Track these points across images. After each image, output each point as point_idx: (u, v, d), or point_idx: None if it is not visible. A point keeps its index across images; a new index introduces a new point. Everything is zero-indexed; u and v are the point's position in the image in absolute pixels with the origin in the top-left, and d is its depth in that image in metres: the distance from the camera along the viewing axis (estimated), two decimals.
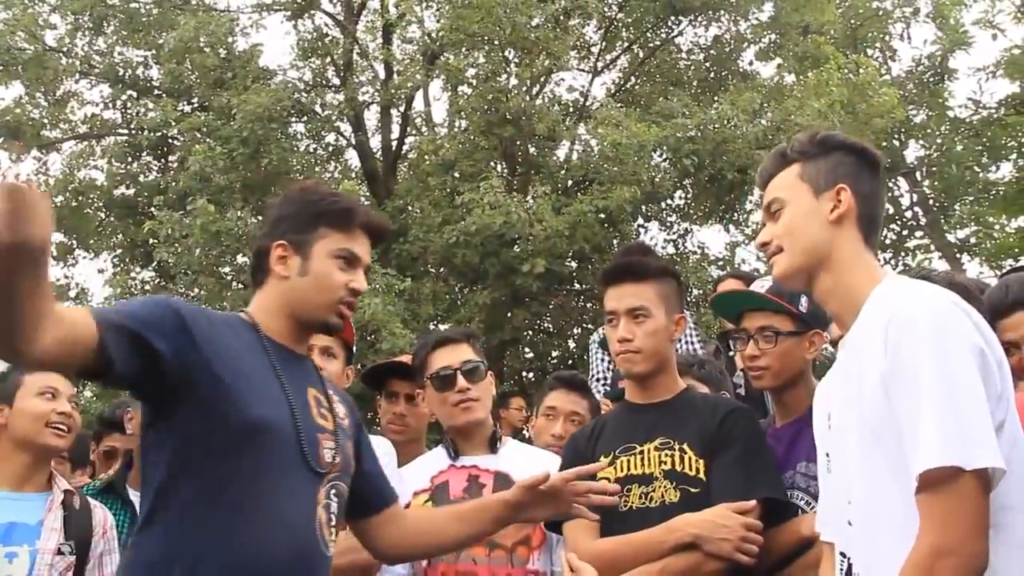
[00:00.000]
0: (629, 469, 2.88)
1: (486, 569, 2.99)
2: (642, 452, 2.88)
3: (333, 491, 2.37)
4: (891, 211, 19.94)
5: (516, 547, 3.03)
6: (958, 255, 19.16)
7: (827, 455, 2.23)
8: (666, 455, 2.84)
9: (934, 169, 19.59)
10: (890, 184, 19.64)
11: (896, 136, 18.90)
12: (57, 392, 3.25)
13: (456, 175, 14.07)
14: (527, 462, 3.15)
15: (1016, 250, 18.06)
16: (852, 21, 18.49)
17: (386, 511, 2.65)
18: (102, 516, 3.31)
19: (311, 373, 2.50)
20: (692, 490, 2.78)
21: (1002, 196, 18.69)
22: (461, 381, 3.19)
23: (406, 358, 4.08)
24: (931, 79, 19.37)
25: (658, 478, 2.82)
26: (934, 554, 1.82)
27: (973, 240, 19.13)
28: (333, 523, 2.36)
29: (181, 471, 2.16)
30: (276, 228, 2.45)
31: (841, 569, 2.13)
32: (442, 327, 14.29)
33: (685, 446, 2.83)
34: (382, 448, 3.28)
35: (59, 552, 3.07)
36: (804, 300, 3.01)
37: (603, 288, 3.06)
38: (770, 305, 3.01)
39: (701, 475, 2.79)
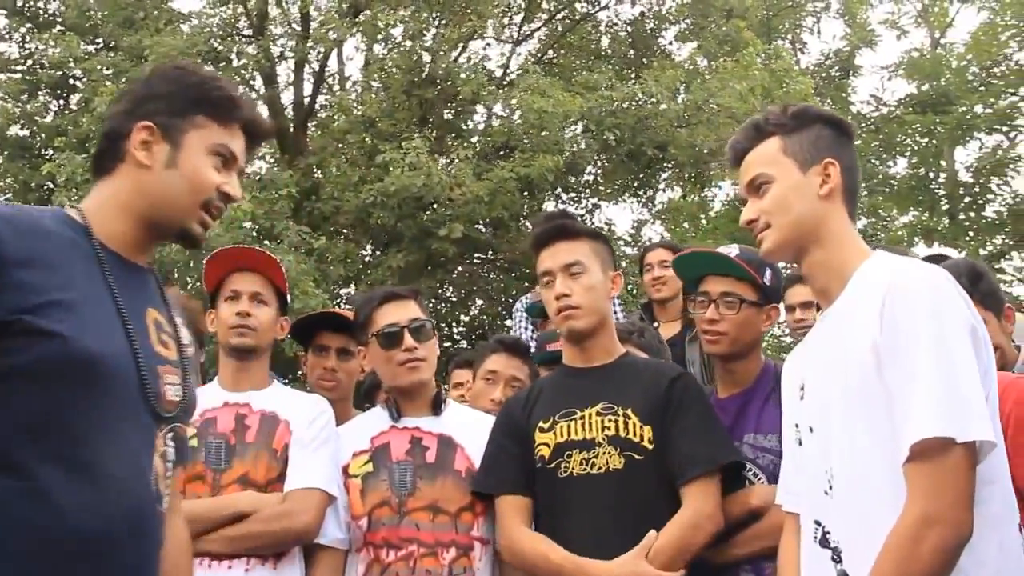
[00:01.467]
0: (570, 435, 2.84)
1: (429, 534, 2.91)
2: (583, 417, 2.85)
3: (171, 435, 2.00)
4: None
5: (460, 513, 2.95)
6: None
7: (796, 425, 2.24)
8: (609, 420, 2.81)
9: None
10: None
11: None
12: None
13: (374, 134, 13.78)
14: (470, 425, 3.11)
15: (906, 243, 18.78)
16: (767, 11, 18.84)
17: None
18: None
19: (150, 289, 2.07)
20: (637, 457, 2.77)
21: (896, 191, 19.38)
22: (408, 339, 3.07)
23: (340, 311, 3.93)
24: (837, 74, 19.91)
25: (601, 444, 2.80)
26: (922, 522, 1.85)
27: (869, 231, 19.81)
28: (170, 473, 2.01)
29: None
30: (141, 106, 2.02)
31: (815, 537, 2.14)
32: (349, 290, 14.09)
33: (629, 411, 2.81)
34: (319, 407, 3.15)
35: None
36: (769, 272, 3.03)
37: (536, 252, 3.00)
38: (737, 271, 3.01)
39: (646, 442, 2.77)
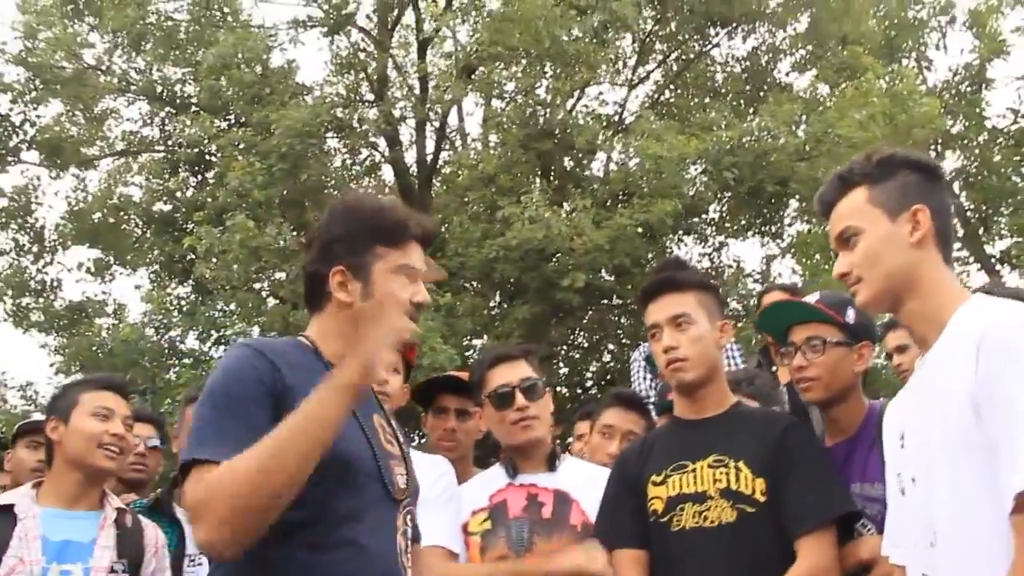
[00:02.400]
0: (682, 488, 2.83)
1: None
2: (695, 470, 2.83)
3: (408, 517, 2.34)
4: None
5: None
6: (998, 267, 18.97)
7: (898, 475, 2.19)
8: (721, 473, 2.79)
9: (972, 180, 19.41)
10: None
11: (933, 147, 18.74)
12: (111, 413, 3.20)
13: (494, 189, 14.03)
14: (586, 480, 3.13)
15: None
16: (888, 31, 18.38)
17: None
18: (154, 534, 3.28)
19: (372, 399, 2.41)
20: (749, 510, 2.73)
21: None
22: (520, 399, 3.15)
23: (458, 373, 4.06)
24: (968, 89, 19.22)
25: (713, 497, 2.77)
26: None
27: (1014, 252, 18.93)
28: (409, 550, 2.32)
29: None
30: (329, 252, 2.34)
31: None
32: (481, 342, 14.30)
33: (741, 464, 2.78)
34: (441, 467, 3.25)
35: (112, 571, 3.05)
36: (851, 312, 2.98)
37: (644, 306, 3.02)
38: (816, 316, 2.99)
39: (758, 495, 2.74)
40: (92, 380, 3.38)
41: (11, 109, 15.52)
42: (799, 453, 2.79)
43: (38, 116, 15.77)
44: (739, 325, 12.30)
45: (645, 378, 5.74)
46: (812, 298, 3.11)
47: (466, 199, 14.52)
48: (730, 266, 16.73)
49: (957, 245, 19.60)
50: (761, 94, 16.64)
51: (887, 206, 2.16)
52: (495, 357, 3.31)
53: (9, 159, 15.81)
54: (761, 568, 2.68)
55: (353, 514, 2.15)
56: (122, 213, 16.34)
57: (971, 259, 19.32)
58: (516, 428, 3.15)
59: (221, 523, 1.94)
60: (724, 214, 16.22)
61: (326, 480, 2.10)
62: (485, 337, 13.90)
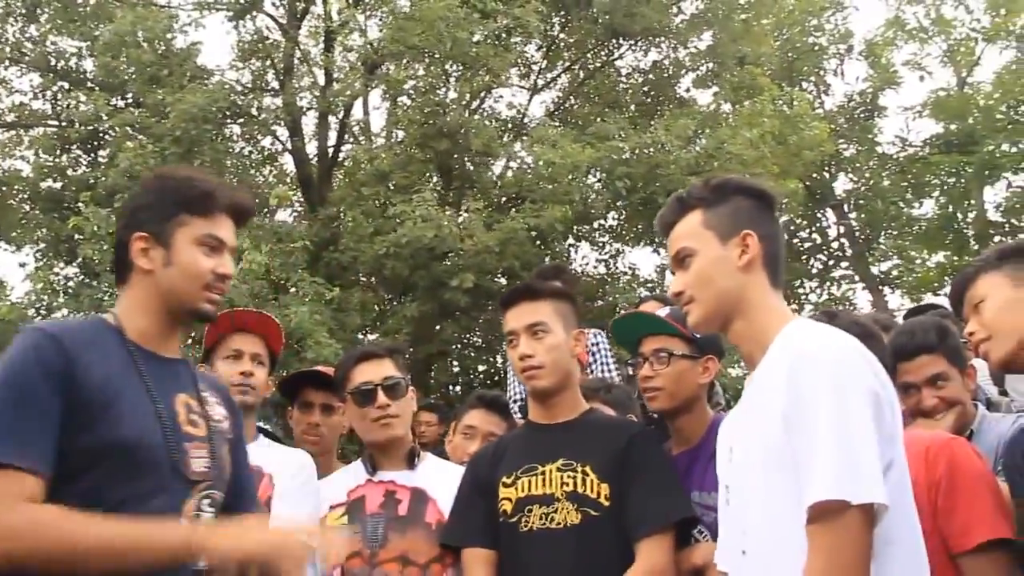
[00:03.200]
0: (530, 490, 2.92)
1: None
2: (544, 473, 2.92)
3: (207, 501, 2.31)
4: (818, 241, 20.42)
5: (430, 564, 3.05)
6: (881, 287, 19.66)
7: (727, 487, 2.28)
8: (568, 476, 2.88)
9: (861, 202, 20.10)
10: (818, 215, 20.10)
11: (826, 168, 19.34)
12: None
13: (391, 186, 14.03)
14: (445, 479, 3.19)
15: (936, 284, 18.59)
16: (789, 54, 18.89)
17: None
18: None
19: (182, 377, 2.40)
20: (593, 513, 2.83)
21: (924, 232, 19.25)
22: (381, 397, 3.20)
23: (324, 368, 4.11)
24: (862, 115, 19.89)
25: (560, 499, 2.87)
26: None
27: (896, 273, 19.64)
28: None
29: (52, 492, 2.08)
30: (133, 219, 2.36)
31: None
32: (369, 338, 14.26)
33: (588, 468, 2.88)
34: (301, 460, 3.32)
35: None
36: None
37: (503, 313, 3.12)
38: (665, 328, 3.09)
39: (602, 499, 2.84)
40: None
41: None
42: (643, 460, 2.89)
43: None
44: None
45: (519, 381, 5.85)
46: (663, 311, 3.20)
47: (362, 194, 14.46)
48: (625, 273, 16.99)
49: (844, 264, 20.30)
50: (660, 108, 16.95)
51: (719, 230, 2.25)
52: (360, 354, 3.35)
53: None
54: (603, 569, 2.77)
55: (131, 501, 2.13)
56: (7, 188, 15.82)
57: (856, 278, 19.98)
58: (376, 425, 3.20)
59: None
60: (622, 222, 16.47)
61: (100, 468, 2.11)
62: (373, 334, 13.87)
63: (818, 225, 20.45)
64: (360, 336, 13.95)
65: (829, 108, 19.88)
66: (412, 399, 3.35)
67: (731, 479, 2.25)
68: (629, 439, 2.94)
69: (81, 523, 2.00)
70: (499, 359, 16.04)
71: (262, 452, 3.22)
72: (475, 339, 16.05)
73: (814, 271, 20.25)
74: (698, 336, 3.06)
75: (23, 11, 15.13)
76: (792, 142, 14.26)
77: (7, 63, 15.76)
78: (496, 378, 14.93)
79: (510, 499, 2.94)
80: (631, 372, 5.48)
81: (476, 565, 2.96)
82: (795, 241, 20.19)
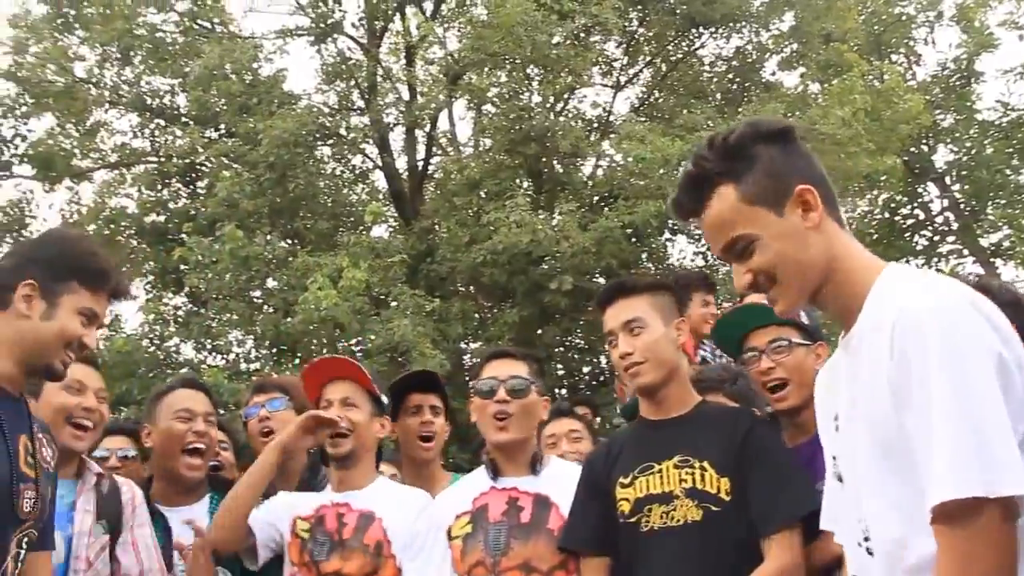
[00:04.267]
0: (649, 489, 2.87)
1: None
2: (661, 470, 2.87)
3: (25, 539, 2.46)
4: (921, 217, 19.83)
5: (552, 571, 3.04)
6: (992, 259, 18.98)
7: (834, 458, 2.04)
8: (686, 473, 2.83)
9: (964, 173, 19.42)
10: (920, 190, 19.53)
11: (924, 141, 18.78)
12: (83, 386, 3.22)
13: (482, 194, 14.12)
14: (568, 484, 3.14)
15: None
16: (875, 27, 18.40)
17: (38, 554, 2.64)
18: (130, 491, 3.30)
19: (24, 418, 2.53)
20: (714, 508, 2.77)
21: None
22: (501, 393, 3.19)
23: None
24: (958, 83, 19.24)
25: (679, 496, 2.82)
26: None
27: (1007, 244, 18.93)
28: (17, 571, 2.44)
29: None
30: (27, 265, 2.52)
31: None
32: (472, 347, 14.37)
33: (706, 463, 2.82)
34: (417, 503, 3.36)
35: (91, 533, 3.10)
36: (803, 313, 3.00)
37: (600, 313, 3.07)
38: (776, 317, 2.84)
39: (723, 494, 2.78)
40: None
41: (2, 124, 15.60)
42: (763, 451, 2.82)
43: (29, 130, 15.83)
44: None
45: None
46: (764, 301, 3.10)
47: (455, 204, 14.58)
48: (724, 264, 16.73)
49: (951, 238, 19.67)
50: (746, 95, 16.69)
51: (767, 199, 1.90)
52: (494, 352, 3.41)
53: (2, 173, 15.88)
54: (726, 566, 2.72)
55: None
56: (115, 225, 16.37)
57: (965, 252, 19.34)
58: (493, 423, 3.19)
59: None
60: None
61: None
62: (476, 342, 13.97)
63: (920, 200, 19.86)
64: (463, 345, 14.08)
65: (922, 79, 19.28)
66: (540, 406, 3.31)
67: (838, 450, 2.01)
68: (747, 430, 2.87)
69: None
70: (603, 359, 15.99)
71: (376, 496, 3.30)
72: (577, 341, 16.01)
73: (919, 248, 19.67)
74: (807, 323, 3.00)
75: (118, 56, 15.63)
76: (886, 117, 13.89)
77: (107, 107, 16.31)
78: (602, 378, 14.88)
79: (628, 499, 2.90)
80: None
81: (591, 573, 2.95)
82: (897, 218, 19.63)
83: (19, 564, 2.43)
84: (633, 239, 13.55)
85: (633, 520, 2.87)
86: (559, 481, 3.18)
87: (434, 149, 16.71)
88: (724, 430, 2.89)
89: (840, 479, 2.00)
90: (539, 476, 3.22)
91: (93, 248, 2.64)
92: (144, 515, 3.32)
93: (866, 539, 1.90)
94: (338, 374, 3.42)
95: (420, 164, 16.22)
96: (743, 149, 1.94)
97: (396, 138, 16.40)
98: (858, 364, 1.88)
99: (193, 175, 15.77)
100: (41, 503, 2.49)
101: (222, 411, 8.23)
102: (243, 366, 14.59)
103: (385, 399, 3.53)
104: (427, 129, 16.13)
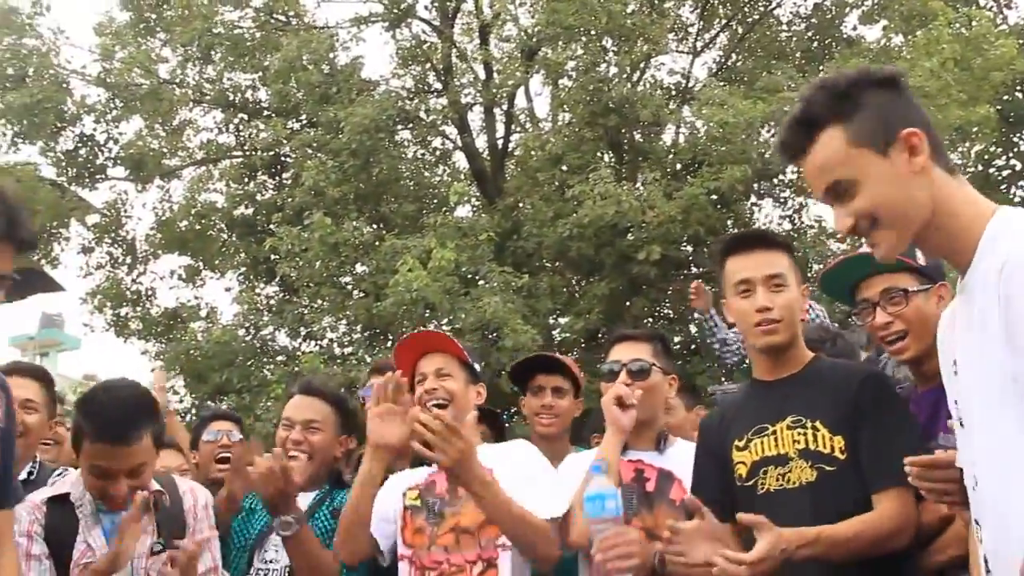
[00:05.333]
0: (764, 451, 2.83)
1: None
2: (775, 432, 2.82)
3: None
4: (1018, 168, 19.18)
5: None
6: None
7: (955, 403, 2.00)
8: (799, 434, 2.77)
9: None
10: (1015, 139, 18.89)
11: (1019, 88, 18.14)
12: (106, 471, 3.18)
13: (564, 168, 14.11)
14: (689, 459, 3.13)
15: None
16: None
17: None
18: (191, 499, 3.31)
19: None
20: (828, 468, 2.71)
21: None
22: (623, 376, 3.21)
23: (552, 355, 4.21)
24: None
25: (793, 458, 2.76)
26: None
27: None
28: None
29: None
30: None
31: (979, 539, 1.94)
32: (561, 321, 14.40)
33: (818, 423, 2.75)
34: (525, 449, 3.42)
35: (153, 552, 3.07)
36: (919, 253, 2.79)
37: (727, 256, 2.95)
38: (888, 265, 2.78)
39: (837, 453, 2.71)
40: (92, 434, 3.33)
41: (95, 129, 16.11)
42: (876, 406, 2.74)
43: (120, 133, 16.31)
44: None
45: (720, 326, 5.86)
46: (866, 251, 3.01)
47: (538, 180, 14.59)
48: (811, 226, 16.45)
49: None
50: (827, 52, 16.33)
51: (873, 142, 1.88)
52: (620, 335, 3.41)
53: (97, 177, 16.40)
54: None
55: None
56: (206, 220, 16.78)
57: None
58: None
59: None
60: (801, 174, 15.94)
61: None
62: (566, 316, 14.00)
63: (1016, 150, 19.20)
64: (552, 320, 14.12)
65: (1014, 22, 18.58)
66: (665, 385, 3.33)
67: (959, 396, 1.98)
68: (859, 384, 2.78)
69: None
70: (692, 328, 15.89)
71: (484, 454, 3.27)
72: (665, 311, 15.93)
73: (1016, 200, 19.05)
74: (923, 265, 2.84)
75: (199, 55, 15.98)
76: (977, 65, 13.43)
77: (191, 105, 16.70)
78: (692, 347, 14.78)
79: (744, 463, 2.87)
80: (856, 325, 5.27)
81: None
82: (991, 171, 19.02)
83: None
84: (719, 206, 13.40)
85: (750, 483, 2.84)
86: (684, 459, 3.17)
87: (513, 126, 16.73)
88: (836, 386, 2.81)
89: (961, 424, 1.98)
90: (664, 454, 3.24)
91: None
92: (206, 518, 3.32)
93: (976, 484, 1.89)
94: (430, 347, 3.45)
95: (500, 142, 16.27)
96: (852, 92, 1.92)
97: (474, 118, 16.50)
98: (972, 309, 1.85)
99: (278, 167, 16.07)
100: None
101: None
102: (337, 351, 14.86)
103: (478, 366, 3.56)
104: (505, 107, 16.16)
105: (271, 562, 3.50)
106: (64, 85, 15.49)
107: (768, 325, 2.83)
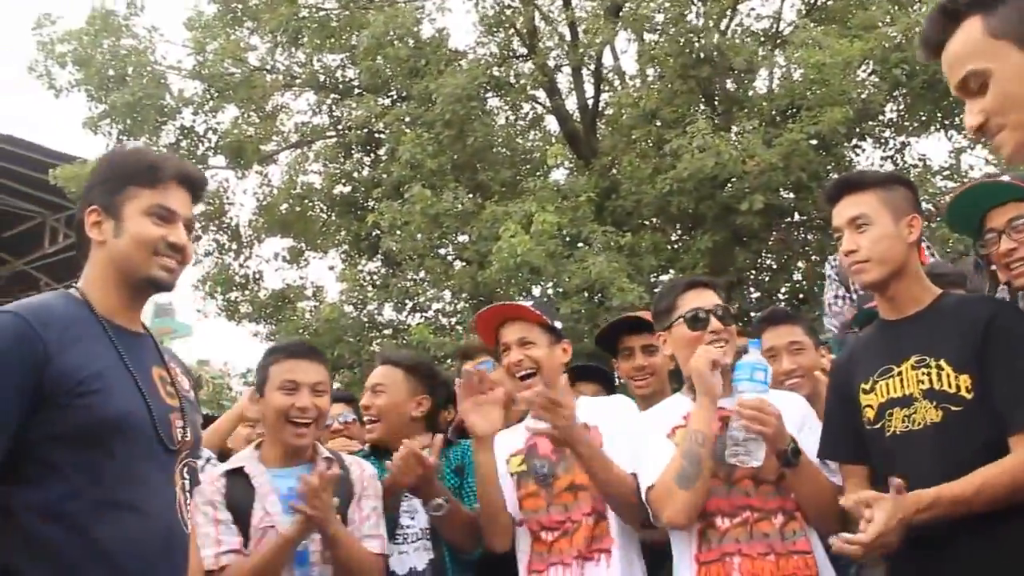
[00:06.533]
0: (889, 393, 2.80)
1: (758, 500, 3.06)
2: (900, 373, 2.79)
3: (186, 469, 2.48)
4: None
5: (780, 482, 3.08)
6: None
7: None
8: (923, 374, 2.73)
9: None
10: None
11: None
12: (297, 385, 3.36)
13: (658, 124, 13.97)
14: (782, 405, 3.10)
15: None
16: None
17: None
18: (359, 470, 3.49)
19: (151, 351, 2.52)
20: (954, 408, 2.66)
21: None
22: (715, 322, 3.21)
23: (642, 313, 4.19)
24: None
25: (918, 399, 2.72)
26: None
27: None
28: (188, 501, 2.48)
29: (47, 469, 2.20)
30: (87, 196, 2.46)
31: None
32: (663, 278, 14.31)
33: (942, 362, 2.70)
34: (622, 404, 3.50)
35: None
36: None
37: (829, 208, 3.00)
38: (1016, 192, 2.81)
39: (963, 392, 2.65)
40: (280, 350, 3.57)
41: (194, 120, 16.52)
42: (1007, 344, 2.65)
43: (218, 123, 16.66)
44: (932, 225, 11.82)
45: (837, 292, 5.71)
46: (1003, 179, 2.95)
47: (632, 138, 14.48)
48: (915, 165, 16.00)
49: None
50: None
51: (1013, 34, 1.79)
52: (688, 283, 3.39)
53: (199, 167, 16.80)
54: (970, 467, 2.57)
55: (126, 474, 2.26)
56: (306, 201, 17.09)
57: None
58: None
59: None
60: (901, 113, 15.52)
61: (94, 444, 2.23)
62: (670, 272, 13.91)
63: None
64: (653, 278, 14.06)
65: None
66: (735, 330, 3.35)
67: None
68: (988, 319, 2.70)
69: None
70: (797, 277, 15.66)
71: (584, 410, 3.37)
72: (769, 262, 15.72)
73: None
74: None
75: (287, 40, 16.21)
76: None
77: (283, 90, 16.97)
78: (800, 296, 14.58)
79: (871, 405, 2.84)
80: (976, 262, 5.15)
81: (852, 481, 2.91)
82: None
83: (187, 495, 2.48)
84: (820, 150, 13.14)
85: (878, 426, 2.82)
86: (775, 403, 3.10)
87: (602, 86, 16.60)
88: (962, 323, 2.74)
89: None
90: None
91: (139, 150, 2.61)
92: (373, 489, 3.49)
93: None
94: (508, 316, 3.51)
95: (590, 102, 16.17)
96: None
97: (562, 80, 16.40)
98: None
99: (373, 143, 16.24)
100: (192, 430, 2.51)
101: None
102: (443, 321, 15.05)
103: (558, 324, 3.60)
104: (592, 67, 16.05)
105: (407, 527, 3.64)
106: (162, 81, 15.88)
107: (856, 266, 2.85)
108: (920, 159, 16.05)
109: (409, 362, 3.94)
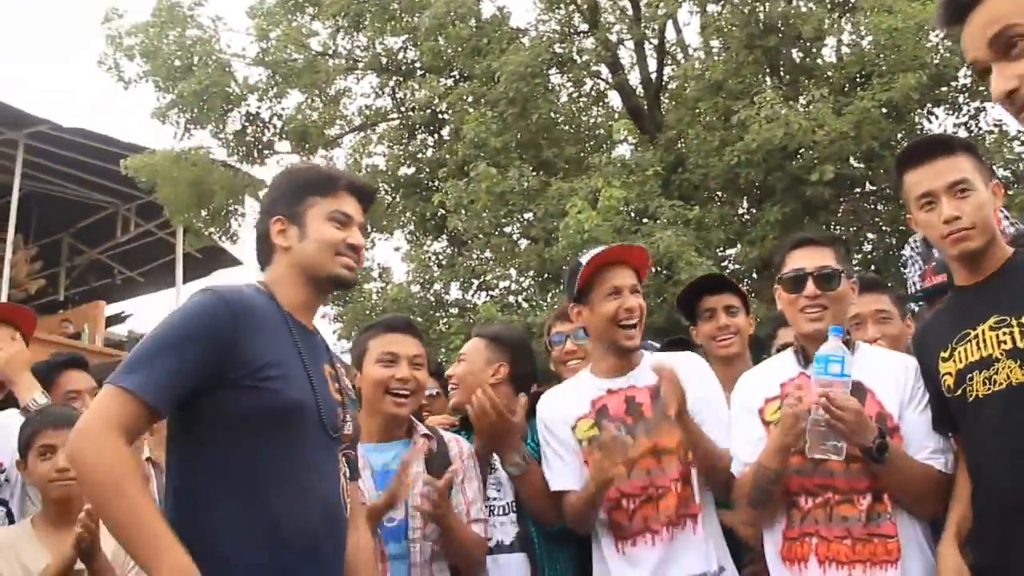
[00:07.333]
0: (968, 357, 2.68)
1: (843, 481, 2.92)
2: (978, 335, 2.66)
3: (345, 458, 2.67)
4: None
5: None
6: None
7: None
8: (1004, 334, 2.59)
9: None
10: None
11: None
12: (396, 357, 3.39)
13: (724, 96, 13.79)
14: (881, 367, 3.03)
15: None
16: None
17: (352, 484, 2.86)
18: (457, 447, 3.49)
19: (322, 348, 2.70)
20: None
21: None
22: (810, 287, 3.06)
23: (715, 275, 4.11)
24: None
25: (1000, 359, 2.59)
26: None
27: None
28: (347, 487, 2.66)
29: (226, 448, 2.38)
30: (270, 209, 2.68)
31: None
32: (729, 252, 14.18)
33: (1023, 319, 2.57)
34: (700, 366, 3.43)
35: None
36: None
37: (906, 170, 2.83)
38: None
39: None
40: (379, 324, 3.62)
41: (259, 107, 16.70)
42: None
43: (283, 109, 16.83)
44: (1009, 193, 11.53)
45: (920, 268, 5.60)
46: None
47: (697, 110, 14.32)
48: (991, 132, 15.59)
49: None
50: None
51: None
52: (800, 239, 3.23)
53: (265, 153, 17.01)
54: None
55: (300, 457, 2.44)
56: (371, 183, 17.20)
57: None
58: (802, 316, 3.07)
59: (74, 454, 2.23)
60: (976, 77, 15.12)
61: (274, 426, 2.39)
62: (738, 245, 13.77)
63: None
64: (725, 251, 13.93)
65: None
66: (850, 291, 3.15)
67: None
68: None
69: (137, 492, 2.18)
70: (867, 247, 15.40)
71: (650, 372, 3.29)
72: (838, 231, 15.47)
73: None
74: None
75: (348, 24, 16.32)
76: None
77: (345, 74, 17.09)
78: (871, 267, 14.33)
79: (951, 373, 2.73)
80: None
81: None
82: None
83: (346, 480, 2.65)
84: (891, 118, 12.86)
85: (959, 393, 2.70)
86: (872, 367, 3.02)
87: (665, 60, 16.44)
88: None
89: None
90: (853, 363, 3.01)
91: (316, 164, 2.82)
92: (474, 470, 3.50)
93: None
94: (619, 259, 3.42)
95: (653, 76, 16.03)
96: None
97: (624, 55, 16.29)
98: None
99: (436, 124, 16.29)
100: (354, 423, 2.69)
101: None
102: (510, 299, 15.07)
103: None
104: (655, 41, 15.90)
105: (493, 499, 3.62)
106: (227, 69, 16.07)
107: (960, 233, 2.70)
108: (996, 124, 15.63)
109: (493, 332, 3.94)
